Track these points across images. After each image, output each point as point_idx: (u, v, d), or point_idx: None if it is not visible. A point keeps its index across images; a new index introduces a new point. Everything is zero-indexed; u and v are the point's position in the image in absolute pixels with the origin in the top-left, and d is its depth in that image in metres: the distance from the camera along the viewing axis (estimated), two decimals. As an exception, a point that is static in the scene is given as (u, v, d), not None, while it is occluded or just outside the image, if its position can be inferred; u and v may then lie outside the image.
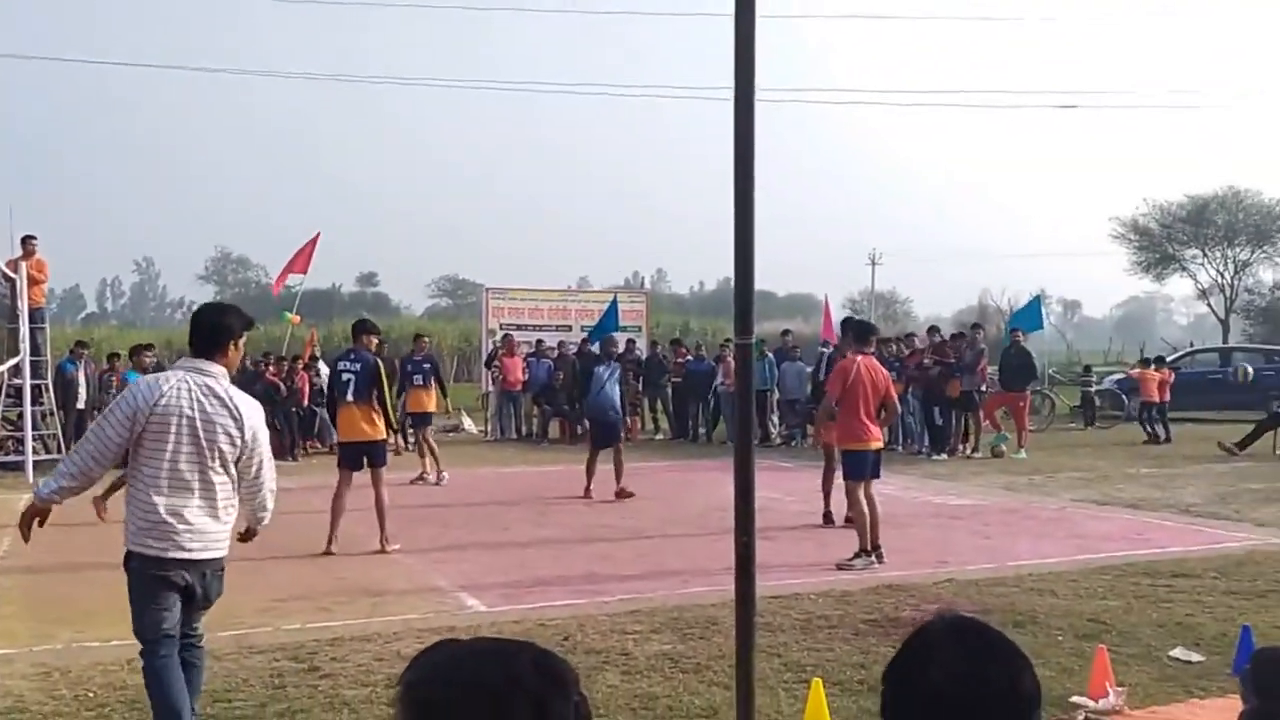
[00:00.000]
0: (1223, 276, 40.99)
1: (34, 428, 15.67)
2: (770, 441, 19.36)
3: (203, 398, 4.38)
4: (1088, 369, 25.76)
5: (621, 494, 12.69)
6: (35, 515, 4.47)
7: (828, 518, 10.72)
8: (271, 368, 19.12)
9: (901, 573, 8.36)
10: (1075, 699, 5.17)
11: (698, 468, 15.97)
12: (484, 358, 23.72)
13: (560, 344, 22.19)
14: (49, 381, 16.64)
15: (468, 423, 22.83)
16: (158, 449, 4.32)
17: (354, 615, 7.21)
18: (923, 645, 1.57)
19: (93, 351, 20.25)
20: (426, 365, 15.21)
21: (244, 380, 17.42)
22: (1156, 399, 19.46)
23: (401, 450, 14.64)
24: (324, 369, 18.16)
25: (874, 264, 59.15)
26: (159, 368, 14.19)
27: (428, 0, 44.74)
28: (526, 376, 21.06)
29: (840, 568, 8.62)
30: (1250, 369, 23.80)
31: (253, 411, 4.54)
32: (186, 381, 4.40)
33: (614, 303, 22.07)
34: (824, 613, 7.05)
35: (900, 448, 17.81)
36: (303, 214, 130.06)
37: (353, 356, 9.91)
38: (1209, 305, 43.53)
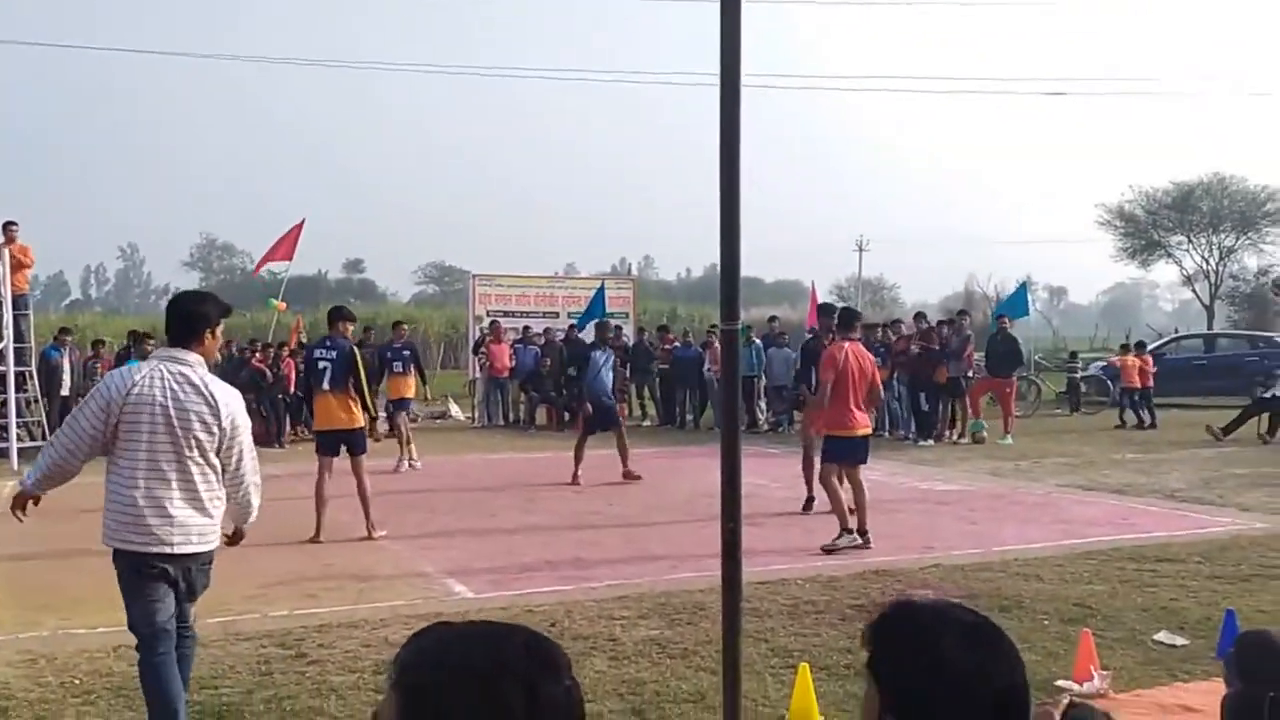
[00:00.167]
0: (1208, 263, 41.18)
1: (18, 415, 15.61)
2: (757, 428, 19.39)
3: (176, 386, 4.31)
4: (1073, 355, 25.88)
5: (629, 476, 12.81)
6: (23, 501, 4.47)
7: (809, 503, 10.71)
8: (258, 354, 19.07)
9: (888, 558, 8.40)
10: (1060, 683, 5.19)
11: (685, 454, 15.98)
12: (471, 344, 23.70)
13: (547, 330, 22.21)
14: (33, 368, 16.57)
15: (455, 409, 22.82)
16: (133, 440, 4.26)
17: (341, 602, 7.21)
18: (931, 642, 1.56)
19: (77, 338, 20.20)
20: (406, 352, 15.27)
21: (230, 367, 17.43)
22: (1137, 385, 19.61)
23: (381, 438, 14.65)
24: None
25: (861, 250, 59.31)
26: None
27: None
28: (513, 363, 21.04)
29: (826, 550, 8.67)
30: None
31: (231, 399, 4.44)
32: (160, 370, 4.34)
33: (601, 289, 22.08)
34: (811, 598, 7.07)
35: (887, 434, 17.83)
36: (289, 200, 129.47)
37: (329, 344, 9.81)
38: (1194, 291, 43.73)
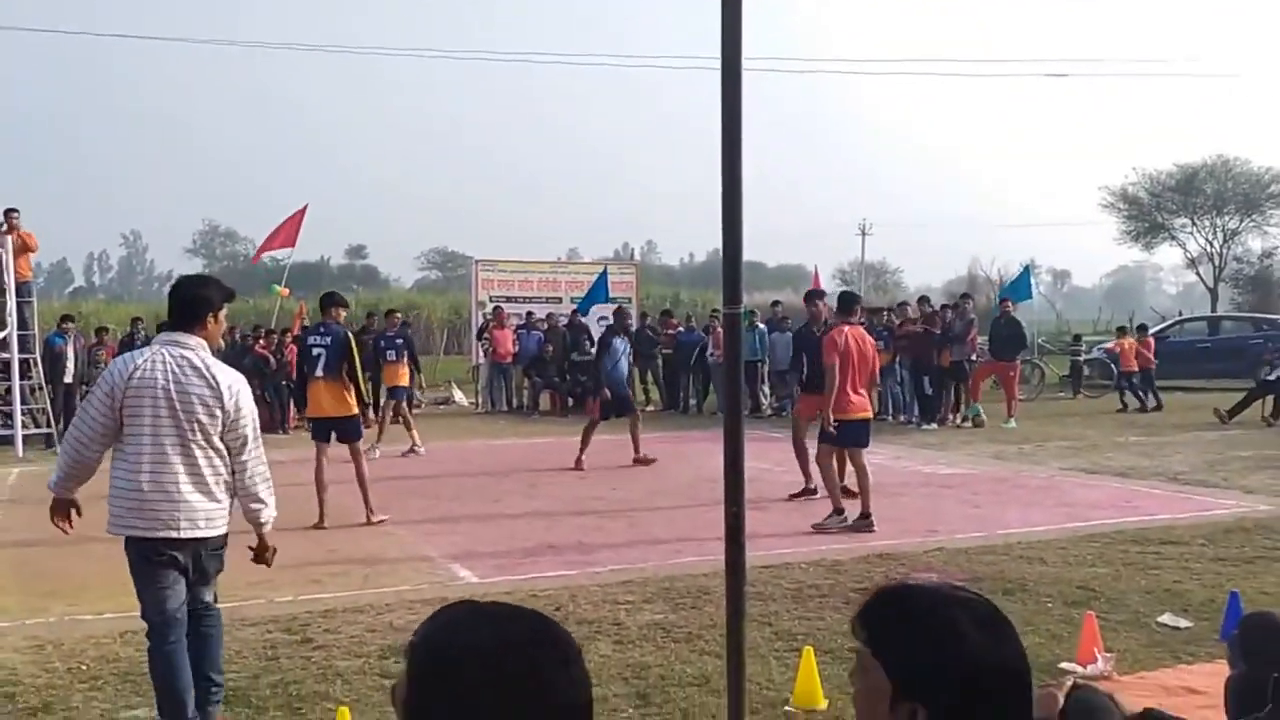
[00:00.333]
0: (1211, 245, 41.01)
1: (22, 402, 15.63)
2: (761, 412, 19.39)
3: (178, 369, 4.30)
4: (1077, 338, 25.84)
5: (642, 461, 12.93)
6: (60, 509, 4.48)
7: (806, 492, 10.65)
8: (261, 340, 19.09)
9: (892, 541, 8.41)
10: (1064, 665, 5.21)
11: (688, 439, 15.99)
12: (474, 330, 23.69)
13: (550, 316, 22.17)
14: (37, 356, 16.57)
15: (458, 395, 22.84)
16: (137, 424, 4.26)
17: (346, 587, 7.23)
18: (949, 619, 1.48)
19: (80, 325, 20.19)
20: (399, 340, 15.28)
21: (234, 353, 17.44)
22: (1135, 368, 19.63)
23: (373, 424, 14.66)
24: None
25: (864, 234, 59.15)
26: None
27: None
28: (517, 349, 21.04)
29: (816, 529, 8.78)
30: None
31: (234, 382, 4.42)
32: (162, 354, 4.34)
33: (604, 274, 22.04)
34: (814, 581, 7.08)
35: (890, 418, 17.84)
36: (291, 186, 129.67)
37: (322, 330, 9.75)
38: (1198, 274, 43.60)
